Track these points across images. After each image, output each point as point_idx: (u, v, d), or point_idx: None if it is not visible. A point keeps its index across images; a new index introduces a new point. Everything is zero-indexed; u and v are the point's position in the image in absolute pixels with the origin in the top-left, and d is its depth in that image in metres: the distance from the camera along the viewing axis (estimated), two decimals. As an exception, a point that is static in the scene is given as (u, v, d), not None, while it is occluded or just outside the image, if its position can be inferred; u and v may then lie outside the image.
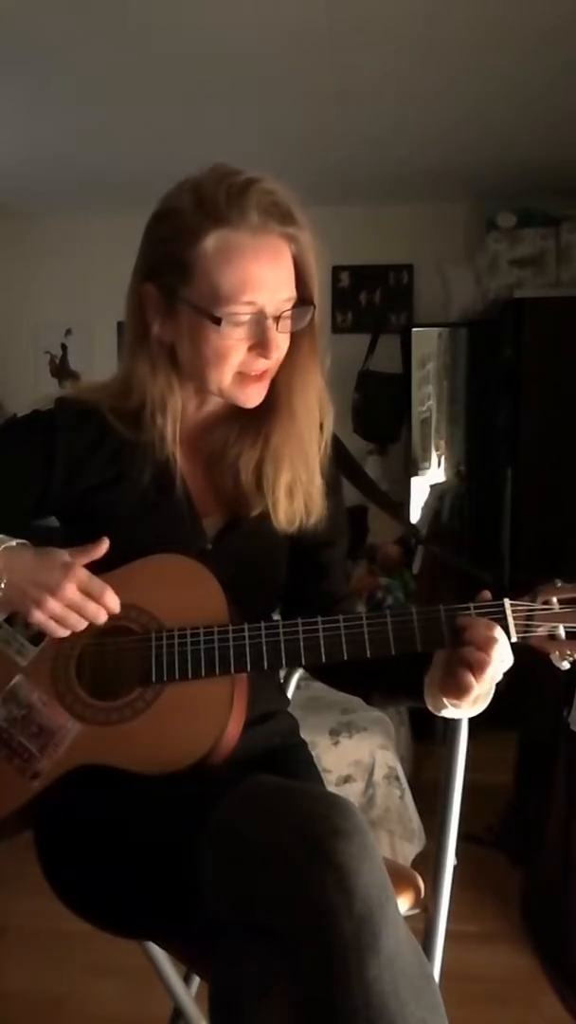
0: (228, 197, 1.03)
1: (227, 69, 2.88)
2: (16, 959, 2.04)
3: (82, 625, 1.02)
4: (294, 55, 2.79)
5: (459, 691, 1.01)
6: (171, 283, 1.07)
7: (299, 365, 1.13)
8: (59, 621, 1.01)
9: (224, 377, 1.09)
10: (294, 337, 1.11)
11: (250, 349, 1.07)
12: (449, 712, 1.08)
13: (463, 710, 1.07)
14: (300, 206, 1.07)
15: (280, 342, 1.08)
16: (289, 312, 1.07)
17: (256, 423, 1.15)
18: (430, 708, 1.09)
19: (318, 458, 1.17)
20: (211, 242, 1.04)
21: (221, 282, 1.04)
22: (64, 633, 1.02)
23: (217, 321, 1.04)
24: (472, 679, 0.99)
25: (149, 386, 1.11)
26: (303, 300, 1.09)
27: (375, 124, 3.34)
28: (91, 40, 2.68)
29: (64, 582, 0.99)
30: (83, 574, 1.01)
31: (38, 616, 1.00)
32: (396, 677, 1.13)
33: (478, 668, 0.99)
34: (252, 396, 1.11)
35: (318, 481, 1.17)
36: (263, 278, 1.04)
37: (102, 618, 1.02)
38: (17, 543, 1.04)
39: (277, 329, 1.06)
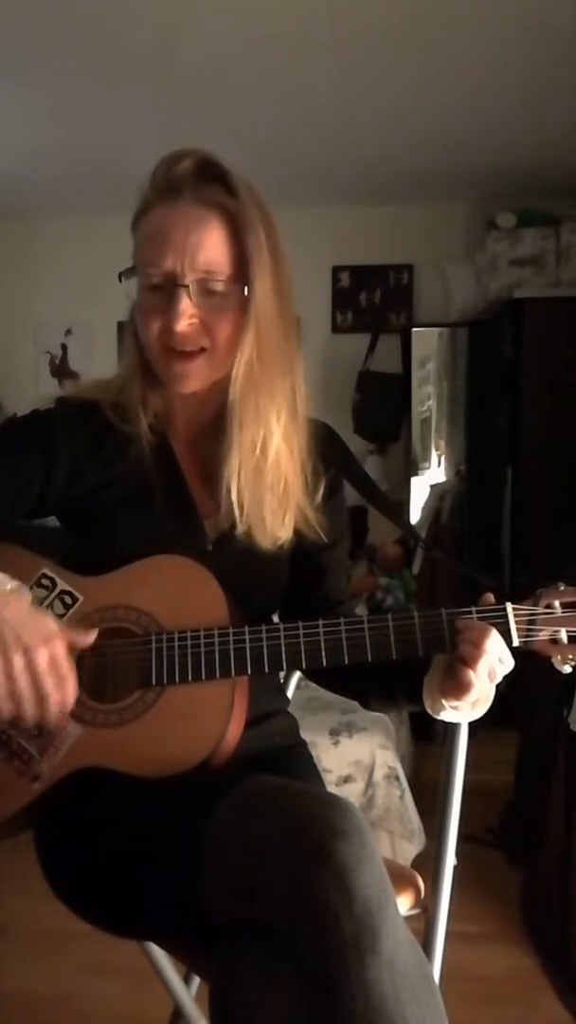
0: (162, 172, 1.07)
1: (228, 69, 2.88)
2: (16, 959, 2.04)
3: (26, 701, 0.96)
4: (295, 56, 2.78)
5: (458, 690, 1.01)
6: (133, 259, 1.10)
7: (244, 355, 1.08)
8: (12, 683, 0.95)
9: (150, 347, 1.09)
10: (243, 324, 1.07)
11: (162, 319, 1.06)
12: (448, 715, 1.08)
13: (462, 713, 1.07)
14: (248, 187, 1.07)
15: (188, 310, 1.04)
16: (210, 283, 1.05)
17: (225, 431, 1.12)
18: (429, 711, 1.09)
19: (287, 461, 1.13)
20: (146, 213, 1.08)
21: (139, 244, 1.08)
22: (3, 703, 0.96)
23: (131, 273, 1.06)
24: (471, 674, 0.99)
25: (131, 375, 1.13)
26: (239, 279, 1.06)
27: (375, 124, 3.33)
28: (92, 40, 2.68)
29: (41, 647, 0.96)
30: (60, 650, 0.98)
31: None
32: (394, 680, 1.13)
33: (472, 661, 0.99)
34: (180, 377, 1.08)
35: (289, 484, 1.13)
36: (172, 240, 1.04)
37: (49, 704, 0.97)
38: (11, 587, 1.02)
39: (192, 300, 1.05)
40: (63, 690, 0.98)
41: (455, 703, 1.04)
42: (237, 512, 1.11)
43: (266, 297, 1.07)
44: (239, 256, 1.06)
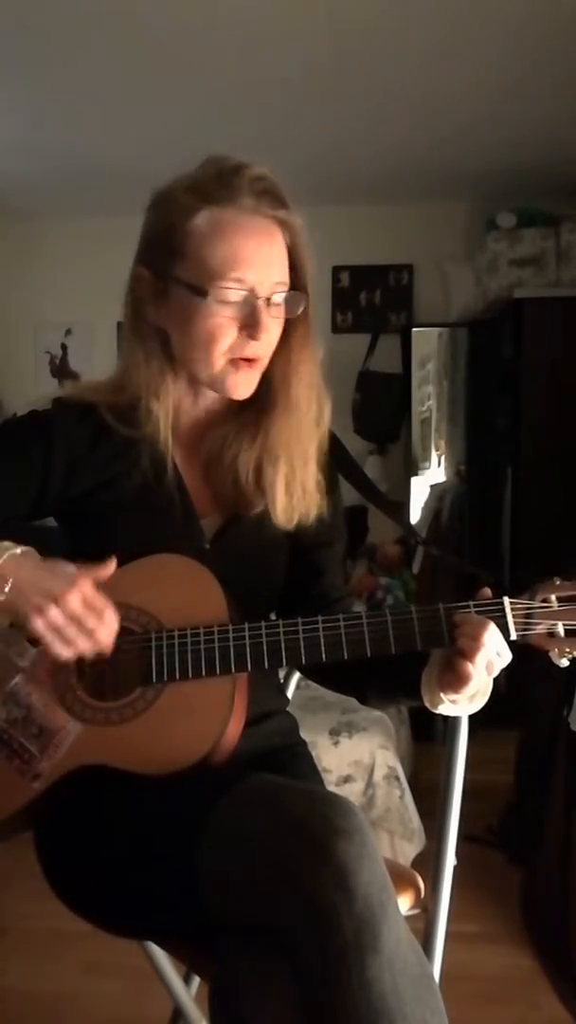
0: (219, 178, 1.05)
1: (228, 69, 2.88)
2: (16, 959, 2.04)
3: (79, 641, 0.98)
4: (295, 55, 2.79)
5: (457, 682, 1.01)
6: (163, 263, 1.08)
7: (294, 358, 1.13)
8: (58, 631, 0.98)
9: (214, 361, 1.08)
10: (287, 328, 1.11)
11: (240, 331, 1.07)
12: (446, 709, 1.08)
13: (460, 707, 1.07)
14: (291, 196, 1.08)
15: (270, 326, 1.07)
16: (281, 296, 1.08)
17: (253, 420, 1.15)
18: (427, 705, 1.09)
19: (316, 453, 1.16)
20: (202, 219, 1.05)
21: (210, 257, 1.05)
22: (59, 648, 0.98)
23: (205, 294, 1.04)
24: (469, 667, 0.99)
25: (143, 375, 1.12)
26: (296, 288, 1.09)
27: (376, 124, 3.34)
28: (92, 40, 2.68)
29: (68, 592, 0.97)
30: (88, 587, 0.99)
31: (39, 624, 0.97)
32: (392, 676, 1.13)
33: (470, 654, 0.99)
34: (241, 384, 1.10)
35: (316, 476, 1.16)
36: (253, 256, 1.05)
37: (99, 636, 0.99)
38: (23, 551, 1.02)
39: (268, 313, 1.06)
40: (105, 619, 1.00)
41: (453, 696, 1.04)
42: (256, 497, 1.13)
43: (311, 301, 1.12)
44: (294, 266, 1.10)
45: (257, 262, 1.05)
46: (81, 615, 0.98)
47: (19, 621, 1.00)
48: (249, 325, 1.06)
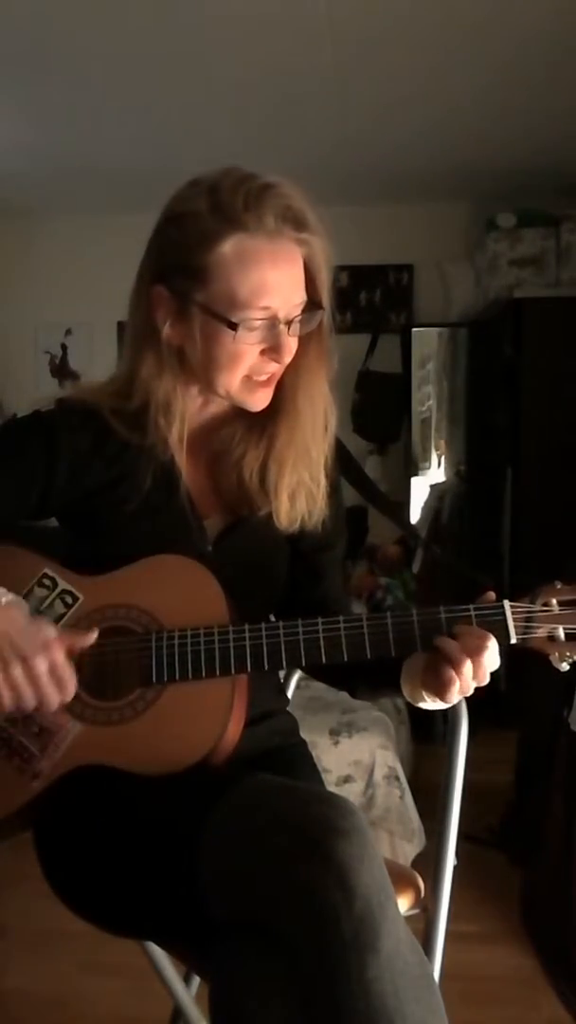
0: (246, 202, 1.02)
1: (227, 69, 2.88)
2: (16, 959, 2.04)
3: (30, 703, 1.00)
4: (295, 56, 2.79)
5: (440, 690, 1.02)
6: (184, 286, 1.06)
7: (305, 367, 1.13)
8: (13, 689, 0.99)
9: (234, 381, 1.09)
10: (302, 339, 1.11)
11: (262, 353, 1.07)
12: (427, 705, 1.09)
13: (438, 703, 1.08)
14: (313, 209, 1.08)
15: (292, 346, 1.08)
16: (300, 316, 1.08)
17: (261, 424, 1.15)
18: (407, 698, 1.10)
19: (322, 460, 1.17)
20: (229, 247, 1.03)
21: (238, 288, 1.03)
22: (8, 705, 1.00)
23: (233, 326, 1.03)
24: (455, 682, 1.00)
25: (154, 387, 1.10)
26: (313, 303, 1.09)
27: (375, 124, 3.34)
28: (92, 40, 2.69)
29: (38, 656, 0.98)
30: (60, 657, 1.00)
31: None
32: (378, 669, 1.12)
33: (460, 667, 1.00)
34: (260, 400, 1.11)
35: (322, 482, 1.17)
36: (279, 284, 1.04)
37: (50, 705, 1.01)
38: (7, 601, 1.03)
39: (288, 333, 1.07)
40: (64, 692, 1.02)
41: (436, 699, 1.06)
42: (261, 499, 1.14)
43: (328, 313, 1.12)
44: (314, 282, 1.10)
45: (282, 289, 1.05)
46: (41, 683, 0.99)
47: None
48: (273, 349, 1.07)
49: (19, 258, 4.51)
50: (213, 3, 2.47)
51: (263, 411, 1.13)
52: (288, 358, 1.08)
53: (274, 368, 1.09)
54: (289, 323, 1.06)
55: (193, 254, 1.04)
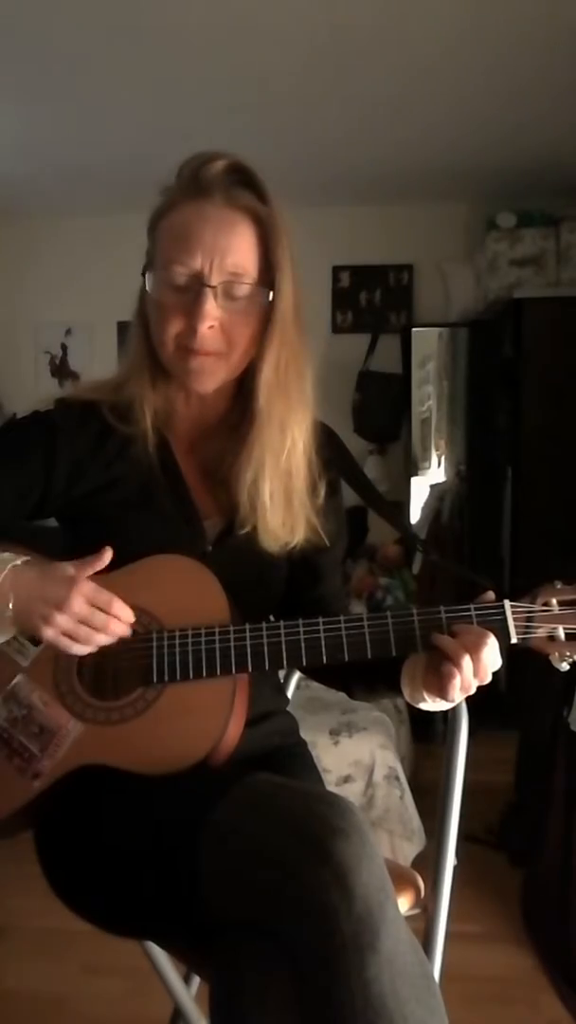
0: (191, 171, 1.06)
1: (228, 69, 2.88)
2: (16, 959, 2.04)
3: (94, 638, 1.00)
4: (295, 56, 2.79)
5: (441, 690, 1.02)
6: (147, 262, 1.10)
7: (266, 366, 1.09)
8: (70, 636, 0.99)
9: (165, 345, 1.08)
10: (264, 330, 1.08)
11: (185, 319, 1.06)
12: (427, 705, 1.09)
13: (440, 704, 1.08)
14: (272, 193, 1.07)
15: (212, 312, 1.05)
16: (241, 290, 1.06)
17: (243, 435, 1.13)
18: (407, 699, 1.10)
19: (300, 465, 1.14)
20: (173, 212, 1.07)
21: (165, 241, 1.07)
22: (78, 649, 1.00)
23: (150, 272, 1.06)
24: (456, 679, 1.00)
25: (136, 371, 1.13)
26: (264, 285, 1.07)
27: (375, 124, 3.34)
28: (91, 40, 2.68)
29: (70, 596, 0.98)
30: (88, 586, 0.99)
31: (48, 633, 0.99)
32: (374, 669, 1.12)
33: (460, 663, 1.00)
34: (195, 374, 1.08)
35: (308, 488, 1.15)
36: (202, 240, 1.04)
37: (112, 629, 1.00)
38: (22, 561, 1.02)
39: (217, 301, 1.05)
40: (113, 609, 1.00)
41: (438, 699, 1.06)
42: (249, 514, 1.12)
43: (288, 304, 1.09)
44: (265, 262, 1.07)
45: (206, 246, 1.04)
46: (88, 615, 0.99)
47: (28, 632, 1.01)
48: (187, 311, 1.05)
49: (19, 258, 4.51)
50: (213, 3, 2.47)
51: (244, 417, 1.12)
52: (205, 324, 1.05)
53: (200, 338, 1.05)
54: (218, 291, 1.05)
55: (151, 231, 1.10)
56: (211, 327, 1.06)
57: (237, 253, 1.05)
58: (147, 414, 1.12)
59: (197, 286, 1.05)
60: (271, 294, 1.07)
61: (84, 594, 0.99)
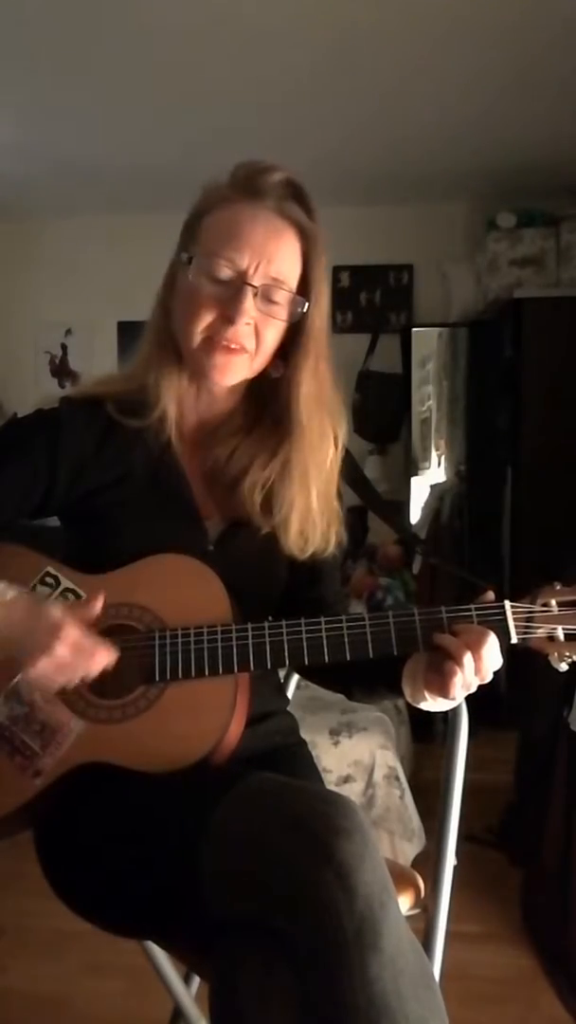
0: (248, 175, 1.09)
1: (227, 69, 2.88)
2: (16, 959, 2.04)
3: (75, 679, 1.01)
4: (296, 56, 2.79)
5: (442, 689, 1.02)
6: (182, 247, 1.12)
7: (298, 378, 1.13)
8: (48, 679, 1.00)
9: (192, 336, 1.09)
10: (297, 341, 1.11)
11: (221, 312, 1.08)
12: (428, 705, 1.09)
13: (441, 704, 1.08)
14: (316, 206, 1.11)
15: (250, 310, 1.07)
16: (281, 295, 1.08)
17: (260, 441, 1.15)
18: (409, 700, 1.10)
19: (328, 477, 1.17)
20: (223, 207, 1.09)
21: (214, 235, 1.08)
22: (56, 688, 1.02)
23: (191, 262, 1.07)
24: (457, 676, 1.00)
25: (153, 360, 1.14)
26: (301, 295, 1.10)
27: (375, 124, 3.34)
28: (92, 40, 2.69)
29: (55, 644, 0.98)
30: (74, 634, 1.00)
31: (30, 675, 1.00)
32: (374, 670, 1.12)
33: (462, 661, 1.00)
34: (218, 368, 1.10)
35: (325, 503, 1.16)
36: (252, 241, 1.07)
37: (92, 671, 1.01)
38: (11, 596, 1.03)
39: (256, 304, 1.07)
40: (96, 660, 1.01)
41: (439, 698, 1.06)
42: (262, 518, 1.13)
43: (323, 318, 1.13)
44: (304, 275, 1.11)
45: (254, 248, 1.07)
46: (71, 663, 1.00)
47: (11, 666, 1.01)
48: (229, 307, 1.07)
49: (19, 258, 4.51)
50: (212, 3, 2.47)
51: (265, 427, 1.14)
52: (243, 321, 1.07)
53: (232, 333, 1.08)
54: (259, 293, 1.07)
55: (194, 219, 1.12)
56: (246, 324, 1.08)
57: (282, 261, 1.08)
58: (162, 397, 1.13)
59: (239, 282, 1.07)
60: (307, 305, 1.11)
61: (70, 643, 0.99)
